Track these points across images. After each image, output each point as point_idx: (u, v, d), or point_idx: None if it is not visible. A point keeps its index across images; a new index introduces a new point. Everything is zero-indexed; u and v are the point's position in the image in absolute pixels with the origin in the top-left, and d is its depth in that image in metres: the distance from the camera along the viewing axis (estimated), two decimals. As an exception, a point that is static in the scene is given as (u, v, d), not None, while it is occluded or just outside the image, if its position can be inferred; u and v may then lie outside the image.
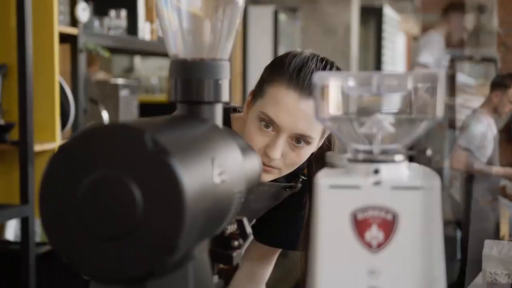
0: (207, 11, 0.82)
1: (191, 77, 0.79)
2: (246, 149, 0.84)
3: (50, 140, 2.45)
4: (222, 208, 0.71)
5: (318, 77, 0.70)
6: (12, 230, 2.55)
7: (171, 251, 0.61)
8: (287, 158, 1.25)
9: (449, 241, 4.82)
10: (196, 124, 0.75)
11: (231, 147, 0.76)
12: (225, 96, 0.82)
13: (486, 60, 9.35)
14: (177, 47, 0.81)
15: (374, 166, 0.68)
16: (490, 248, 1.92)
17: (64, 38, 2.56)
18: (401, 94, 0.70)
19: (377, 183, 0.67)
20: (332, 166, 0.77)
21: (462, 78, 4.81)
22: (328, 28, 5.34)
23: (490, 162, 4.22)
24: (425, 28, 9.84)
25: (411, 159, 0.72)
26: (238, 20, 0.83)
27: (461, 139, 4.24)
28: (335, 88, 0.70)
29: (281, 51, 6.14)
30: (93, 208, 0.60)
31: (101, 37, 2.78)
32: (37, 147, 2.35)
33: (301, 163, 1.28)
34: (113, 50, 3.06)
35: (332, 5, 5.32)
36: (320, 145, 1.32)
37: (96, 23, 2.84)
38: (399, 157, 0.70)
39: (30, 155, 2.27)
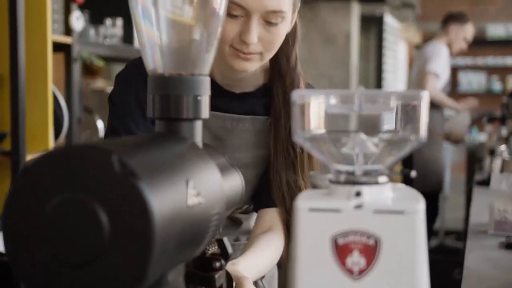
0: (186, 24, 0.79)
1: (169, 93, 0.77)
2: (227, 167, 0.81)
3: (43, 150, 2.42)
4: (198, 230, 0.68)
5: (297, 94, 0.67)
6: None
7: (140, 278, 0.58)
8: (264, 41, 1.20)
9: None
10: (173, 143, 0.72)
11: (209, 167, 0.73)
12: (205, 113, 0.79)
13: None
14: (155, 62, 0.78)
15: (356, 188, 0.65)
16: (499, 182, 1.76)
17: (58, 47, 2.53)
18: (384, 113, 0.67)
19: (358, 207, 0.64)
20: (314, 186, 0.74)
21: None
22: (328, 37, 5.31)
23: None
24: (426, 37, 9.83)
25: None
26: (219, 31, 0.81)
27: (430, 64, 4.30)
28: (315, 106, 0.67)
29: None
30: (57, 232, 0.57)
31: (96, 46, 2.76)
32: (30, 157, 2.32)
33: (280, 42, 1.23)
34: (109, 59, 3.03)
35: (332, 14, 5.30)
36: (294, 20, 1.28)
37: (92, 31, 2.82)
38: (382, 179, 0.67)
39: (22, 165, 2.24)
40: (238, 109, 1.33)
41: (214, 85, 1.31)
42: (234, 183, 0.81)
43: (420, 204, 0.64)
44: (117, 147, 0.60)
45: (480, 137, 8.59)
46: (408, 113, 0.66)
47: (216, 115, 1.30)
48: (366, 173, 0.67)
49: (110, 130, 1.29)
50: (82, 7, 2.67)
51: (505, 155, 2.85)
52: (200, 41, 0.79)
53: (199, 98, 0.77)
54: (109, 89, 3.29)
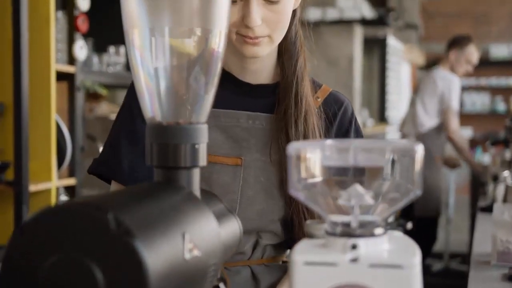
0: (184, 72, 0.79)
1: (168, 141, 0.77)
2: (224, 213, 0.81)
3: (46, 180, 2.42)
4: (195, 283, 0.68)
5: (293, 148, 0.67)
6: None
7: (136, 335, 0.58)
8: (269, 21, 1.13)
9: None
10: (170, 194, 0.72)
11: (205, 217, 0.73)
12: (202, 161, 0.79)
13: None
14: (154, 110, 0.79)
15: (351, 241, 0.66)
16: (501, 212, 1.73)
17: (62, 76, 2.55)
18: (380, 165, 0.67)
19: (354, 260, 0.64)
20: (310, 235, 0.74)
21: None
22: (331, 60, 5.33)
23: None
24: (429, 57, 9.86)
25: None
26: (216, 80, 0.81)
27: (453, 101, 4.28)
28: (310, 158, 0.68)
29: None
30: (54, 291, 0.58)
31: (99, 74, 2.77)
32: (33, 187, 2.33)
33: (287, 21, 1.16)
34: (112, 86, 3.05)
35: (335, 37, 5.33)
36: None
37: (95, 59, 2.84)
38: (378, 231, 0.67)
39: (25, 195, 2.24)
40: (254, 106, 1.24)
41: (229, 77, 1.25)
42: (232, 229, 0.81)
43: (416, 258, 0.64)
44: (112, 203, 0.60)
45: (484, 158, 8.59)
46: (404, 165, 0.66)
47: (230, 113, 1.23)
48: (362, 225, 0.67)
49: (113, 138, 1.24)
50: (86, 36, 2.69)
51: (509, 181, 2.84)
52: (198, 88, 0.80)
53: (196, 146, 0.78)
54: (113, 115, 3.31)
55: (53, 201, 2.43)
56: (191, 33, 0.77)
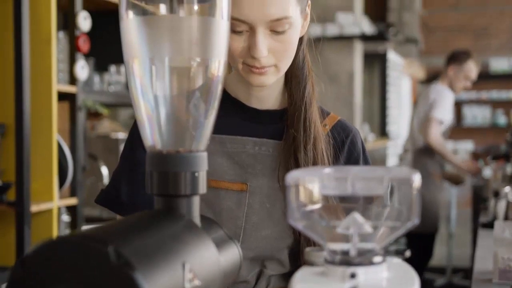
0: (183, 101, 0.80)
1: (168, 170, 0.78)
2: (224, 240, 0.82)
3: (47, 200, 2.43)
4: (195, 312, 0.69)
5: (291, 177, 0.68)
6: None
7: None
8: (276, 51, 1.12)
9: None
10: (169, 223, 0.73)
11: (205, 245, 0.73)
12: (202, 188, 0.80)
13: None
14: (154, 139, 0.80)
15: (350, 269, 0.66)
16: (502, 229, 1.73)
17: (63, 96, 2.56)
18: (377, 193, 0.68)
19: (353, 289, 0.65)
20: (310, 263, 0.75)
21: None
22: (332, 76, 5.35)
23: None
24: (430, 71, 9.89)
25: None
26: (215, 107, 0.82)
27: (435, 110, 4.22)
28: (309, 187, 0.68)
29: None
30: (55, 324, 0.58)
31: (100, 94, 2.79)
32: (34, 208, 2.33)
33: (293, 50, 1.15)
34: (114, 105, 3.06)
35: (336, 52, 5.35)
36: (307, 22, 1.20)
37: (97, 78, 2.85)
38: (377, 259, 0.67)
39: (26, 216, 2.25)
40: (261, 132, 1.24)
41: (236, 103, 1.25)
42: (231, 256, 0.82)
43: (415, 286, 0.65)
44: (112, 235, 0.61)
45: (486, 171, 8.58)
46: (402, 193, 0.66)
47: (236, 139, 1.22)
48: (361, 253, 0.68)
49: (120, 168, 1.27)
50: (87, 55, 2.71)
51: (510, 197, 2.83)
52: (198, 115, 0.81)
53: (196, 174, 0.78)
54: (114, 134, 3.32)
55: (54, 221, 2.43)
56: (191, 63, 0.78)
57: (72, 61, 2.57)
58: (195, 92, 0.80)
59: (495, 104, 10.09)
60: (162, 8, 0.80)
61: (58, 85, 2.47)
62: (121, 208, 1.23)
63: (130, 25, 0.77)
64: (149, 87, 0.78)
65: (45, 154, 2.41)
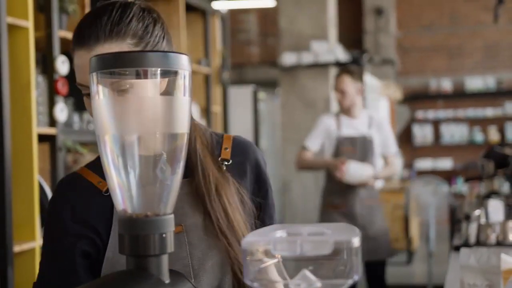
0: (150, 170, 0.89)
1: (138, 233, 0.86)
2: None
3: (29, 239, 2.49)
4: None
5: (246, 241, 0.76)
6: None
7: None
8: None
9: None
10: (139, 283, 0.81)
11: (173, 303, 0.81)
12: (170, 247, 0.88)
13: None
14: (124, 204, 0.88)
15: (301, 322, 0.74)
16: (468, 257, 1.80)
17: (43, 137, 2.63)
18: (323, 254, 0.77)
19: None
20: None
21: None
22: (308, 102, 5.46)
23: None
24: (407, 91, 10.07)
25: None
26: (180, 172, 0.90)
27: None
28: (262, 250, 0.77)
29: (262, 128, 6.27)
30: None
31: (79, 133, 2.86)
32: (17, 248, 2.39)
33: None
34: (94, 143, 3.14)
35: (311, 79, 5.46)
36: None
37: (76, 118, 2.93)
38: (325, 312, 0.76)
39: (9, 257, 2.31)
40: None
41: None
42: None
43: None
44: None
45: (465, 188, 8.74)
46: (344, 254, 0.75)
47: None
48: (311, 307, 0.76)
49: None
50: (66, 96, 2.79)
51: (482, 220, 2.92)
52: (164, 180, 0.89)
53: (164, 235, 0.87)
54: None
55: (36, 260, 2.49)
56: (156, 136, 0.87)
57: (51, 104, 2.65)
58: (161, 160, 0.89)
59: (471, 122, 10.27)
60: (129, 89, 0.89)
61: (38, 128, 2.54)
62: None
63: (101, 104, 0.86)
64: (120, 158, 0.86)
65: (26, 195, 2.47)
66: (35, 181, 2.49)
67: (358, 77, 4.00)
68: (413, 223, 7.17)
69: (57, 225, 1.23)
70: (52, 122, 2.65)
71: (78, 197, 1.22)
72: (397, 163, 4.18)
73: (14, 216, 2.40)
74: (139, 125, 0.86)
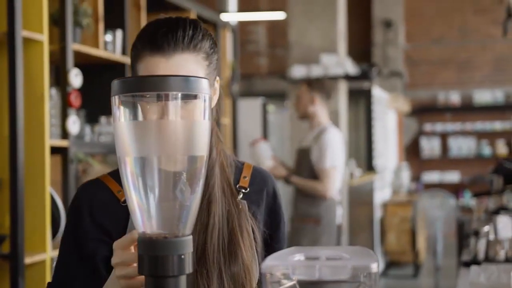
0: (170, 192, 0.90)
1: (157, 254, 0.87)
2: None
3: (40, 251, 2.51)
4: None
5: (265, 265, 0.78)
6: None
7: None
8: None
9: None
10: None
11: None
12: (188, 268, 0.89)
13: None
14: (144, 226, 0.89)
15: None
16: (478, 274, 1.80)
17: (56, 149, 2.66)
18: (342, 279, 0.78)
19: None
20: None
21: None
22: (317, 114, 5.45)
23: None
24: (415, 104, 10.07)
25: None
26: (199, 193, 0.91)
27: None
28: (281, 274, 0.78)
29: (271, 140, 6.28)
30: None
31: (91, 146, 2.89)
32: (28, 260, 2.41)
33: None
34: (105, 154, 3.16)
35: (320, 92, 5.46)
36: (215, 96, 1.27)
37: (88, 130, 2.95)
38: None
39: (20, 269, 2.32)
40: None
41: None
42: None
43: None
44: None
45: (472, 202, 8.70)
46: (361, 281, 0.76)
47: None
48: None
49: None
50: (78, 108, 2.81)
51: (491, 236, 2.91)
52: (183, 202, 0.91)
53: (183, 256, 0.88)
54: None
55: (47, 272, 2.50)
56: (177, 159, 0.88)
57: (64, 116, 2.67)
58: (181, 181, 0.90)
59: (479, 135, 10.24)
60: (151, 113, 0.90)
61: (50, 140, 2.56)
62: None
63: (122, 127, 0.87)
64: (140, 181, 0.88)
65: (38, 206, 2.49)
66: (47, 193, 2.51)
67: (317, 89, 4.01)
68: (420, 236, 7.16)
69: (76, 223, 1.25)
70: (65, 134, 2.68)
71: (97, 202, 1.24)
72: (328, 181, 3.85)
73: (26, 228, 2.42)
74: (160, 148, 0.87)
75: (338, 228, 4.11)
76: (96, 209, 1.24)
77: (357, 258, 0.79)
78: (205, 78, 0.90)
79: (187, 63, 1.17)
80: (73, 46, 2.74)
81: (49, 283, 1.27)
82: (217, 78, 1.28)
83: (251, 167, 1.36)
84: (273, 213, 1.34)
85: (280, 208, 1.36)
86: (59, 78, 2.76)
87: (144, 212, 0.89)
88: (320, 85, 4.06)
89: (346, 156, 5.84)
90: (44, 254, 2.51)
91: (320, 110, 4.03)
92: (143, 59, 1.18)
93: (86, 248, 1.22)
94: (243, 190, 1.30)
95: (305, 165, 3.91)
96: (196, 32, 1.19)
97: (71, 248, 1.25)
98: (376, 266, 0.76)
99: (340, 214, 4.12)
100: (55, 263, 1.28)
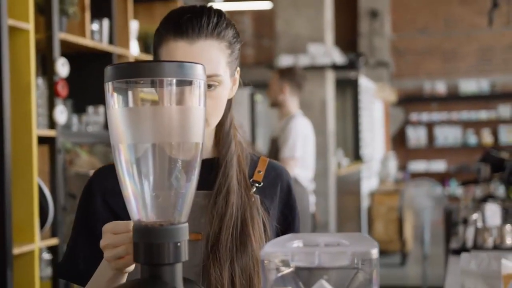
0: (165, 179, 0.89)
1: (152, 241, 0.86)
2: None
3: (29, 241, 2.49)
4: None
5: (264, 252, 0.77)
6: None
7: None
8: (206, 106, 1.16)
9: None
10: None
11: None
12: (184, 256, 0.88)
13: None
14: (140, 213, 0.88)
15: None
16: (468, 261, 1.80)
17: (43, 139, 2.63)
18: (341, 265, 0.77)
19: None
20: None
21: None
22: (305, 104, 5.45)
23: None
24: (401, 94, 10.10)
25: None
26: (194, 184, 0.90)
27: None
28: (280, 261, 0.77)
29: (259, 131, 6.28)
30: None
31: (78, 135, 2.86)
32: (16, 250, 2.39)
33: (222, 107, 1.22)
34: (92, 143, 3.13)
35: (308, 82, 5.46)
36: (235, 86, 1.27)
37: (75, 120, 2.92)
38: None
39: (9, 260, 2.30)
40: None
41: None
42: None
43: None
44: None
45: (458, 191, 8.77)
46: (361, 267, 0.75)
47: None
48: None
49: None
50: (65, 98, 2.78)
51: (479, 223, 2.93)
52: (179, 189, 0.90)
53: (178, 244, 0.87)
54: (91, 172, 3.37)
55: (36, 262, 2.49)
56: (171, 145, 0.87)
57: (51, 106, 2.65)
58: (176, 169, 0.89)
59: (465, 125, 10.30)
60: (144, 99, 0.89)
61: (38, 130, 2.53)
62: (79, 279, 1.24)
63: (116, 114, 0.86)
64: (135, 168, 0.87)
65: (26, 197, 2.47)
66: (35, 183, 2.48)
67: (287, 79, 4.03)
68: (407, 225, 7.19)
69: (88, 205, 1.26)
70: (52, 124, 2.65)
71: (110, 187, 1.23)
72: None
73: (13, 219, 2.39)
74: (154, 134, 0.86)
75: (313, 217, 4.13)
76: (108, 194, 1.25)
77: (356, 244, 0.78)
78: (200, 64, 0.89)
79: (210, 48, 1.18)
80: (59, 35, 2.71)
81: (58, 263, 1.27)
82: (238, 68, 1.28)
83: (267, 161, 1.35)
84: (287, 208, 1.34)
85: (295, 203, 1.35)
86: (45, 68, 2.73)
87: (139, 199, 0.88)
88: (291, 75, 4.05)
89: (333, 147, 5.86)
90: (33, 245, 2.49)
91: (289, 99, 4.04)
92: (166, 43, 1.18)
93: (95, 230, 1.21)
94: (257, 184, 1.29)
95: (274, 155, 3.93)
96: (220, 20, 1.20)
97: (81, 229, 1.26)
98: (376, 252, 0.76)
99: (313, 203, 4.14)
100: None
